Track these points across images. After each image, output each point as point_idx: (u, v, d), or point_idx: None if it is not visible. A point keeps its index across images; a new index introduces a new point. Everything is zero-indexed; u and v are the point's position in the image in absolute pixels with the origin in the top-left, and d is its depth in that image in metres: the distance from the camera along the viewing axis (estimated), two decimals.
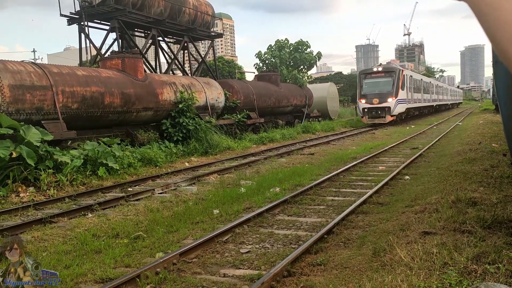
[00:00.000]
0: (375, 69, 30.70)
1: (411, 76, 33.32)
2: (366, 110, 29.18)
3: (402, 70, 30.25)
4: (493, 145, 12.73)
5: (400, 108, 29.33)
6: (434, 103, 46.04)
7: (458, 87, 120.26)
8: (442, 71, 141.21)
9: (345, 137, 21.10)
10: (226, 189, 9.29)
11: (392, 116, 28.65)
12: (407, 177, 9.79)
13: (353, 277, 4.21)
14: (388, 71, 29.83)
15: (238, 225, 6.26)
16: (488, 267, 3.78)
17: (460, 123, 28.83)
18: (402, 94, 29.38)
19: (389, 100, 28.53)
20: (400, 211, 6.59)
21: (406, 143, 17.71)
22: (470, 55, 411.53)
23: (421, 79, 38.35)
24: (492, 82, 45.81)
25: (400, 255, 4.32)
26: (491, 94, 55.49)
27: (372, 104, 28.78)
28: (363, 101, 29.27)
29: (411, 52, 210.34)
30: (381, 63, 33.63)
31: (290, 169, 11.88)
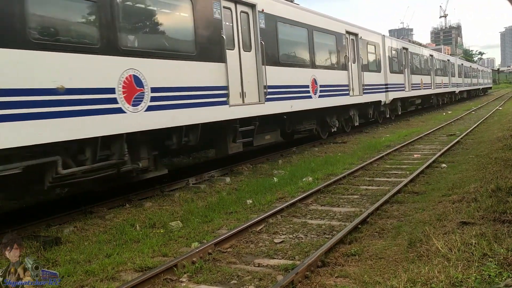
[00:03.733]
0: None
1: None
2: None
3: None
4: None
5: None
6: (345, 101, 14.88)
7: (498, 70, 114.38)
8: (481, 53, 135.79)
9: (379, 124, 20.70)
10: (259, 179, 9.34)
11: None
12: (443, 165, 9.54)
13: (388, 267, 4.18)
14: None
15: (272, 215, 6.31)
16: None
17: (500, 108, 27.75)
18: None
19: None
20: (437, 200, 6.45)
21: (442, 130, 17.22)
22: (511, 36, 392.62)
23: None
24: None
25: (437, 245, 4.25)
26: None
27: None
28: None
29: (447, 35, 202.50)
30: None
31: (322, 158, 11.81)
